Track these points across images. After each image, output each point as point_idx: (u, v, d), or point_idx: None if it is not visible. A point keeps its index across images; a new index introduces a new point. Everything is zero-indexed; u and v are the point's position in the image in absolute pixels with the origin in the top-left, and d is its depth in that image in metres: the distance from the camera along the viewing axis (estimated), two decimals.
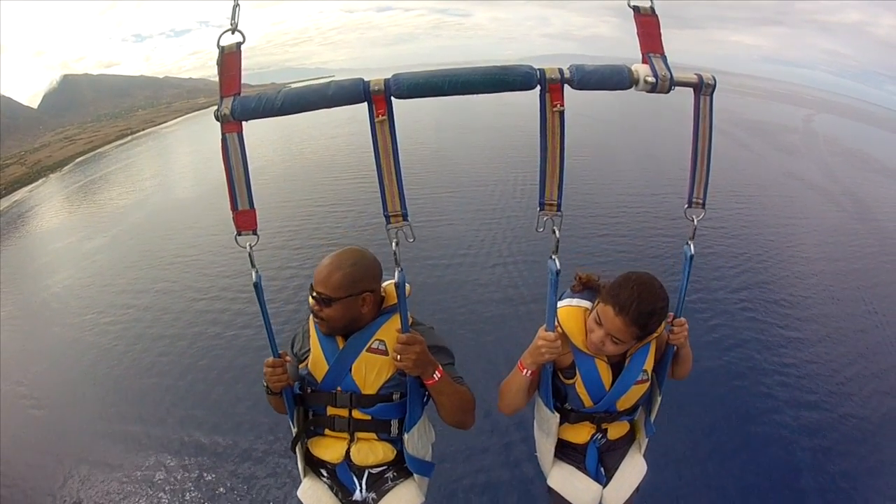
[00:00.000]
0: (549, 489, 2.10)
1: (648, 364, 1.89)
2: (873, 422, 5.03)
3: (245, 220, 1.53)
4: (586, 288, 1.94)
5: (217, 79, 1.44)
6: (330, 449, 1.88)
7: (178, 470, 4.62)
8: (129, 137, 41.10)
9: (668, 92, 1.50)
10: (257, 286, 1.58)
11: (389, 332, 1.75)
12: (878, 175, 18.49)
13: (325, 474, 1.95)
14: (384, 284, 1.84)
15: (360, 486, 1.90)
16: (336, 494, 1.92)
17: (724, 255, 8.82)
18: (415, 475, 1.91)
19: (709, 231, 9.56)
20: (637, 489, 2.09)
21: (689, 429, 4.68)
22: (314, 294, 1.71)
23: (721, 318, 6.76)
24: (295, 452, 1.94)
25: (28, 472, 4.93)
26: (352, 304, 1.72)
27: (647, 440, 2.12)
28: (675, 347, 1.86)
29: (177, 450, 4.86)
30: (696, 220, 1.65)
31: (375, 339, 1.77)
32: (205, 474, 4.54)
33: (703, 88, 1.55)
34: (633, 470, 2.09)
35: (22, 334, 8.07)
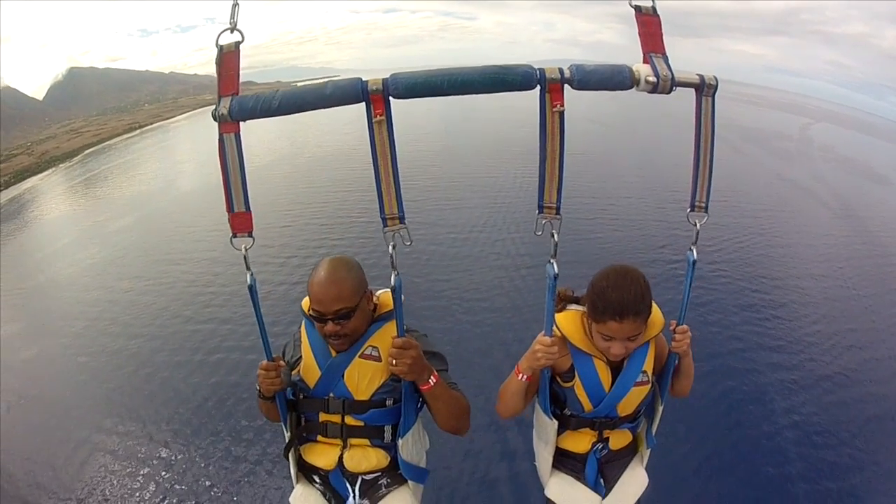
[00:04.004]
0: (547, 500, 2.04)
1: (648, 365, 1.85)
2: (834, 376, 5.72)
3: (240, 222, 1.52)
4: (567, 303, 1.92)
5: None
6: (323, 455, 1.86)
7: (174, 461, 4.72)
8: (138, 131, 41.20)
9: (669, 92, 1.48)
10: (252, 289, 1.55)
11: (383, 338, 1.74)
12: (867, 181, 18.90)
13: (317, 480, 1.92)
14: (378, 293, 1.83)
15: (354, 492, 1.85)
16: (329, 501, 1.88)
17: (704, 235, 9.12)
18: (409, 482, 1.88)
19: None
20: (638, 502, 2.02)
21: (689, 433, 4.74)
22: (331, 317, 1.66)
23: (696, 281, 7.17)
24: (287, 458, 1.90)
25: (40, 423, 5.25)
26: (365, 306, 1.73)
27: (648, 451, 2.05)
28: (678, 357, 1.82)
29: (179, 440, 4.98)
30: (698, 225, 1.60)
31: (368, 346, 1.75)
32: (198, 463, 4.63)
33: (704, 89, 1.53)
34: (633, 482, 2.02)
35: (55, 302, 8.51)
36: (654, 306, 1.79)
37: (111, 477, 4.51)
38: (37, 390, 5.93)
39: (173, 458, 4.66)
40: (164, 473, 4.50)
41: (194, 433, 4.95)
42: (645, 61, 1.49)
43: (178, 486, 4.34)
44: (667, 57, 1.49)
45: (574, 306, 1.89)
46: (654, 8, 1.49)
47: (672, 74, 1.46)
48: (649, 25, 1.50)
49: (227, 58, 1.42)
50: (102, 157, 27.75)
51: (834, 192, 15.43)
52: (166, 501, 4.19)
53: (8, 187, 23.78)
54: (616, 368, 1.85)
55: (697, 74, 1.54)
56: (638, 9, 1.50)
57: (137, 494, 4.31)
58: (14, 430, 5.25)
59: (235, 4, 1.40)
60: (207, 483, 4.37)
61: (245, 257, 1.52)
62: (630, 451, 2.07)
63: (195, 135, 35.25)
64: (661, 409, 1.96)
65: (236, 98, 1.42)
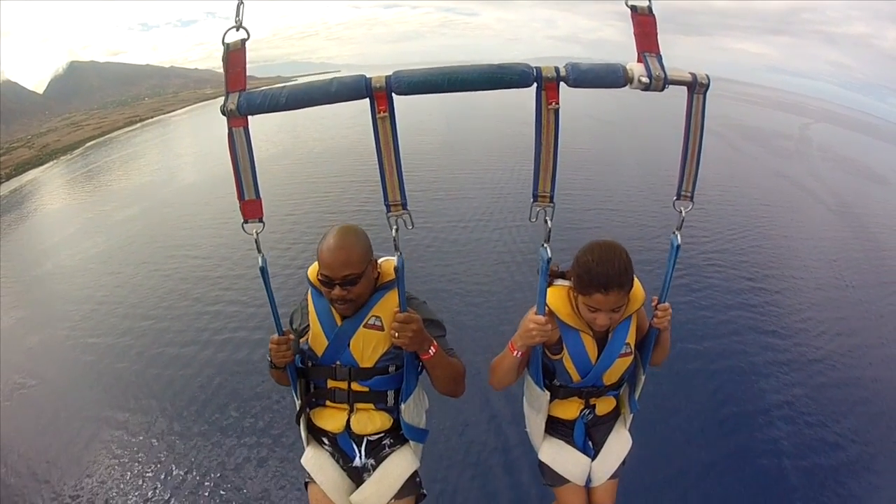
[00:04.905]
0: (541, 463, 2.19)
1: (630, 337, 1.98)
2: (823, 360, 5.85)
3: (251, 208, 1.59)
4: (554, 277, 2.03)
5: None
6: (331, 419, 2.00)
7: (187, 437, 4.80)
8: (139, 124, 41.12)
9: (661, 90, 1.53)
10: (263, 270, 1.66)
11: (385, 308, 1.83)
12: (864, 179, 18.87)
13: (326, 442, 2.06)
14: (381, 261, 1.92)
15: (360, 452, 2.02)
16: (337, 461, 2.03)
17: (699, 227, 9.53)
18: (410, 441, 2.03)
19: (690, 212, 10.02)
20: (623, 462, 2.19)
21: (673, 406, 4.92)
22: (339, 282, 1.74)
23: (689, 269, 7.55)
24: (299, 423, 2.04)
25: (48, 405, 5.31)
26: (370, 273, 1.82)
27: (631, 415, 2.21)
28: (658, 331, 1.94)
29: (186, 417, 5.06)
30: (684, 212, 1.72)
31: (372, 316, 1.84)
32: (212, 442, 4.68)
33: (696, 87, 1.59)
34: (619, 443, 2.19)
35: (61, 288, 8.60)
36: (636, 281, 1.91)
37: (118, 452, 4.60)
38: (44, 372, 5.97)
39: (181, 433, 4.73)
40: (171, 448, 4.56)
41: (201, 409, 5.02)
42: (639, 60, 1.53)
43: (184, 460, 4.41)
44: (661, 56, 1.54)
45: (561, 281, 1.99)
46: (649, 8, 1.54)
47: (665, 73, 1.51)
48: (645, 25, 1.54)
49: (234, 55, 1.46)
50: (103, 150, 27.67)
51: (831, 189, 15.49)
52: (174, 474, 4.27)
53: (9, 179, 23.87)
54: (601, 341, 1.97)
55: (690, 73, 1.59)
56: (634, 9, 1.54)
57: (144, 468, 4.39)
58: (21, 411, 5.33)
59: (241, 3, 1.43)
60: (214, 453, 4.46)
61: (256, 241, 1.61)
62: (614, 416, 2.23)
63: (196, 128, 35.29)
64: (643, 377, 2.09)
65: (244, 94, 1.46)
